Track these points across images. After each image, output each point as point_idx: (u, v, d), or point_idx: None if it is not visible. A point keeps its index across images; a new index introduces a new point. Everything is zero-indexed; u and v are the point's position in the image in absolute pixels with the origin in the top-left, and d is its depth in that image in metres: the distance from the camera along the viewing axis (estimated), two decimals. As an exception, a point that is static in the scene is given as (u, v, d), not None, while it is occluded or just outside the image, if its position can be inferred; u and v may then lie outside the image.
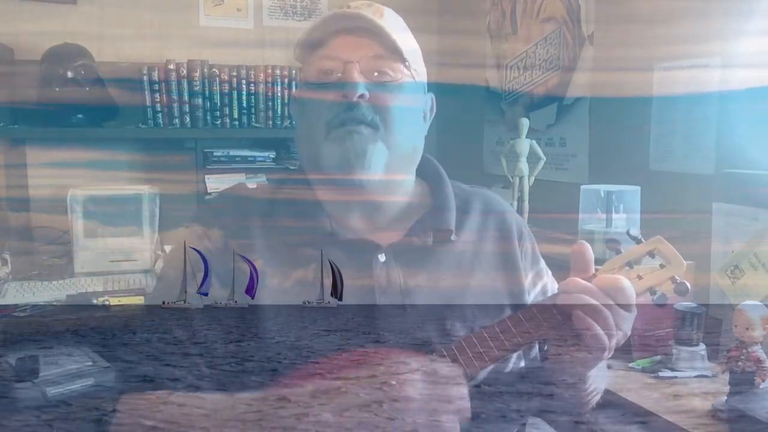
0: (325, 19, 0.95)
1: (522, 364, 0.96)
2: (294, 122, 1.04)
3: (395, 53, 0.94)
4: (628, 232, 0.92)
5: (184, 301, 0.86)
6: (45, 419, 0.80)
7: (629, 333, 0.87)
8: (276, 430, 0.75)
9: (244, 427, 0.76)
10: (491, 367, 0.85)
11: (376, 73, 0.93)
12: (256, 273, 0.88)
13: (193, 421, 0.77)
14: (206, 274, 0.87)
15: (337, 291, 0.88)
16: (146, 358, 0.84)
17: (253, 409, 0.77)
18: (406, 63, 0.95)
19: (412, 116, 0.98)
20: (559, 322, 0.85)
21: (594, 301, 0.83)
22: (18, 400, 0.88)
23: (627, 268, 0.89)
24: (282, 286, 0.91)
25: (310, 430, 0.75)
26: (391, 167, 0.94)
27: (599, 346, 0.84)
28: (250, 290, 0.87)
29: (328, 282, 0.88)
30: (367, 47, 0.93)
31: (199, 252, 0.88)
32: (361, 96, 0.91)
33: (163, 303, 0.87)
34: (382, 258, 0.94)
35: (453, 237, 0.97)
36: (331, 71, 0.93)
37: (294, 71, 2.63)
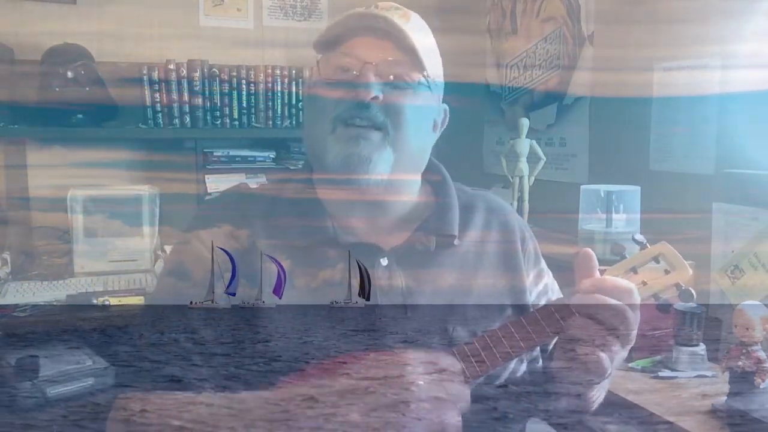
0: (350, 15, 0.94)
1: (523, 366, 0.96)
2: (302, 116, 1.04)
3: (415, 60, 0.93)
4: (633, 237, 0.91)
5: (212, 301, 0.87)
6: (73, 419, 0.80)
7: (626, 353, 0.87)
8: (303, 430, 0.75)
9: (271, 427, 0.76)
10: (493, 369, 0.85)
11: (392, 77, 0.92)
12: (284, 273, 0.88)
13: (221, 421, 0.77)
14: (234, 275, 0.87)
15: (365, 291, 0.88)
16: (174, 357, 0.84)
17: (280, 408, 0.77)
18: (425, 72, 0.94)
19: (422, 124, 0.98)
20: (563, 328, 0.85)
21: (613, 301, 0.83)
22: (46, 399, 0.87)
23: (632, 273, 0.89)
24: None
25: (337, 430, 0.75)
26: (396, 172, 0.94)
27: (600, 370, 0.84)
28: (278, 290, 0.87)
29: (355, 282, 0.88)
30: (387, 50, 0.93)
31: (227, 252, 0.88)
32: (375, 98, 0.91)
33: (191, 303, 0.87)
34: (384, 262, 0.94)
35: (456, 242, 0.97)
36: (348, 69, 0.92)
37: (294, 71, 2.63)
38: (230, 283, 0.86)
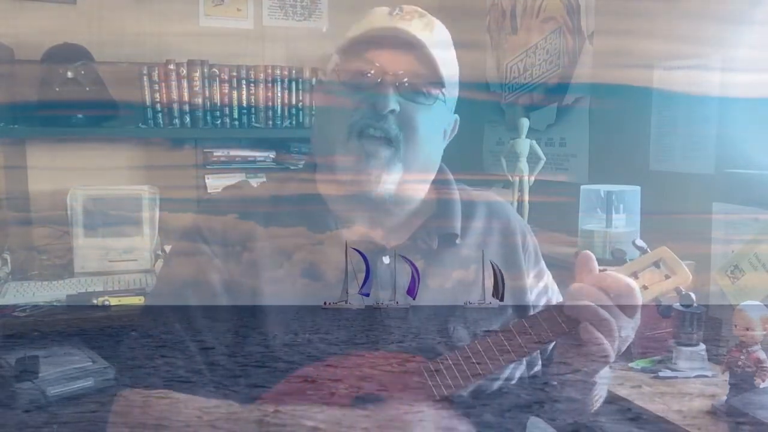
0: (374, 26, 0.94)
1: (520, 370, 0.96)
2: (313, 117, 1.03)
3: (434, 75, 0.93)
4: (633, 243, 0.92)
5: (346, 302, 0.87)
6: (207, 420, 0.80)
7: (632, 337, 0.87)
8: (438, 430, 0.75)
9: (405, 427, 0.76)
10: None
11: (410, 90, 0.93)
12: (418, 274, 0.89)
13: (355, 421, 0.77)
14: (368, 275, 0.87)
15: (498, 292, 0.88)
16: (307, 358, 0.84)
17: (414, 409, 0.77)
18: (443, 89, 0.95)
19: (434, 135, 0.98)
20: (565, 330, 0.85)
21: (601, 310, 0.83)
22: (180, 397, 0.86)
23: (632, 277, 0.90)
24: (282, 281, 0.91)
25: (471, 431, 0.75)
26: (404, 183, 0.94)
27: (603, 355, 0.84)
28: (412, 291, 0.88)
29: (489, 282, 0.89)
30: (408, 63, 0.93)
31: (360, 252, 0.89)
32: (392, 111, 0.91)
33: (324, 303, 0.88)
34: (386, 260, 0.94)
35: (458, 241, 0.98)
36: (368, 74, 0.92)
37: (294, 71, 2.63)
38: (364, 284, 0.87)
